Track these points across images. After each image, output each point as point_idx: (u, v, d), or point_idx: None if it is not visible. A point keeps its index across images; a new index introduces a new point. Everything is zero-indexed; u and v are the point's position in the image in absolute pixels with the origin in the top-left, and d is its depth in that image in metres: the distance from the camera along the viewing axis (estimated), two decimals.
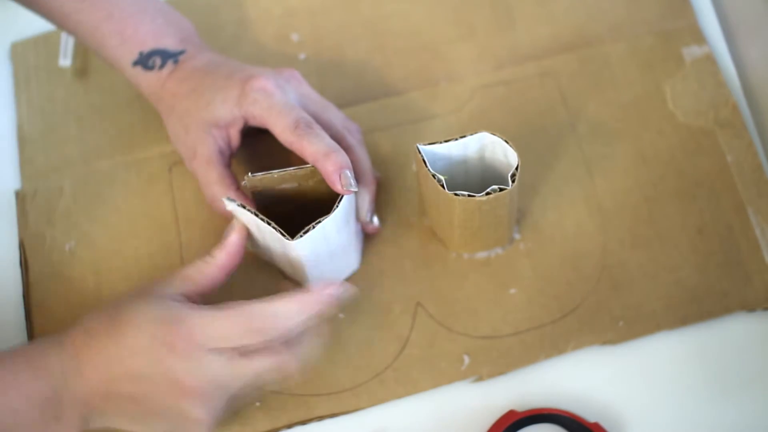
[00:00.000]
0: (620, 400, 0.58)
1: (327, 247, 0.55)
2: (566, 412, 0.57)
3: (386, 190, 0.64)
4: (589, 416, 0.57)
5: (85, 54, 0.69)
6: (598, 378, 0.59)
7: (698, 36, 0.67)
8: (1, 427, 0.48)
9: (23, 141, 0.67)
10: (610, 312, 0.60)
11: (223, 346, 0.50)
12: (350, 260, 0.61)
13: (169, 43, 0.59)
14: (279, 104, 0.55)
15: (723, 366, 0.59)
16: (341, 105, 0.65)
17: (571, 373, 0.59)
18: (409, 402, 0.59)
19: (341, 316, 0.60)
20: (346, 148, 0.59)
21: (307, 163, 0.54)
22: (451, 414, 0.58)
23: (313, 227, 0.52)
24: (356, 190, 0.53)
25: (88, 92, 0.68)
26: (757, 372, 0.59)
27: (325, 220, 0.52)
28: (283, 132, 0.55)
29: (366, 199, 0.58)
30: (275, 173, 0.53)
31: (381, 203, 0.63)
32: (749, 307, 0.60)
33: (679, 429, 0.58)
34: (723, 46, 0.68)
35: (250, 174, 0.53)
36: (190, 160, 0.59)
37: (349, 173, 0.53)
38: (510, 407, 0.58)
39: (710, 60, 0.66)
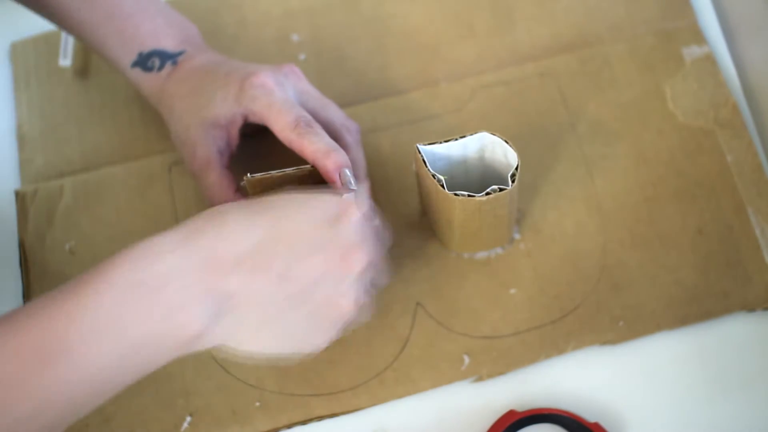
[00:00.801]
0: (620, 400, 0.58)
1: None
2: (566, 412, 0.57)
3: (386, 190, 0.64)
4: (589, 416, 0.57)
5: (85, 54, 0.69)
6: (598, 378, 0.59)
7: (698, 36, 0.67)
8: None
9: (23, 141, 0.67)
10: (610, 312, 0.60)
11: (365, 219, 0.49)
12: None
13: (169, 44, 0.59)
14: (279, 101, 0.55)
15: (723, 366, 0.59)
16: (341, 105, 0.65)
17: (571, 373, 0.59)
18: (409, 402, 0.59)
19: (355, 327, 0.60)
20: (344, 147, 0.59)
21: (306, 164, 0.54)
22: (451, 414, 0.58)
23: None
24: (356, 188, 0.53)
25: (88, 92, 0.68)
26: (757, 372, 0.59)
27: None
28: (282, 130, 0.55)
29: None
30: (274, 174, 0.53)
31: (381, 203, 0.63)
32: (749, 307, 0.60)
33: (679, 429, 0.58)
34: (723, 46, 0.68)
35: (249, 174, 0.53)
36: (190, 161, 0.59)
37: (348, 172, 0.53)
38: (510, 407, 0.58)
39: (710, 60, 0.66)
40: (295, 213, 0.47)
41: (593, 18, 0.69)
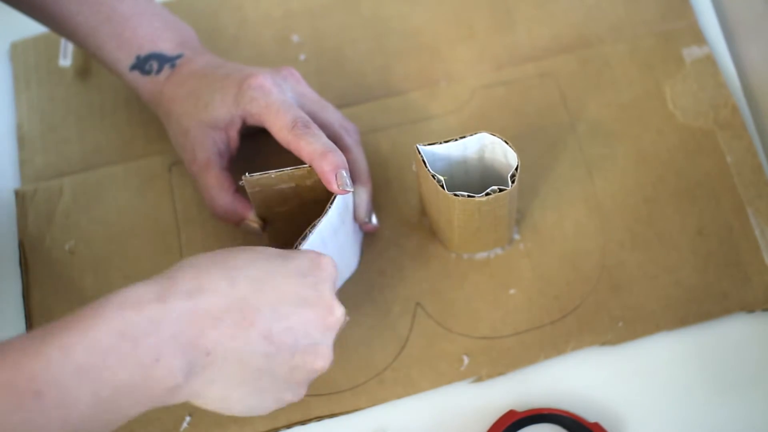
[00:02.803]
0: (620, 400, 0.58)
1: (324, 249, 0.55)
2: (566, 412, 0.57)
3: (386, 191, 0.64)
4: (589, 416, 0.57)
5: (84, 54, 0.69)
6: (598, 378, 0.59)
7: (698, 37, 0.67)
8: (93, 372, 0.41)
9: (23, 141, 0.67)
10: (609, 312, 0.60)
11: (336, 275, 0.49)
12: (349, 260, 0.60)
13: (167, 47, 0.59)
14: (277, 103, 0.55)
15: (723, 366, 0.59)
16: (341, 105, 0.65)
17: (571, 373, 0.59)
18: (409, 402, 0.59)
19: (347, 318, 0.60)
20: (344, 149, 0.59)
21: (305, 164, 0.54)
22: (451, 414, 0.58)
23: (310, 231, 0.52)
24: (352, 190, 0.53)
25: (88, 92, 0.68)
26: (756, 372, 0.59)
27: (319, 223, 0.52)
28: (280, 131, 0.55)
29: (364, 199, 0.59)
30: (272, 173, 0.53)
31: (381, 203, 0.63)
32: (749, 308, 0.60)
33: (678, 429, 0.58)
34: (723, 46, 0.68)
35: (247, 174, 0.53)
36: (189, 163, 0.59)
37: (345, 173, 0.53)
38: (510, 407, 0.58)
39: (710, 61, 0.66)
40: (276, 269, 0.46)
41: (593, 18, 0.69)
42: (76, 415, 0.40)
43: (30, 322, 0.61)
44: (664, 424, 0.58)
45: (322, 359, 0.47)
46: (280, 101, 0.56)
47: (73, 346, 0.40)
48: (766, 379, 0.58)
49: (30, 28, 0.69)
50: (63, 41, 0.69)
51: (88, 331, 0.41)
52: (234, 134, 0.59)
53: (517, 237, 0.62)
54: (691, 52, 0.67)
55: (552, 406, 0.58)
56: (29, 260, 0.63)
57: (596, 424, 0.56)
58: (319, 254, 0.49)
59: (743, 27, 0.68)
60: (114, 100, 0.68)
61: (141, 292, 0.43)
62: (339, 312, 0.48)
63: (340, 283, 0.61)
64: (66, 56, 0.69)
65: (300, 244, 0.51)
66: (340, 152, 0.54)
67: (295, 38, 0.69)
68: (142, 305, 0.42)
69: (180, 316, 0.43)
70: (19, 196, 0.65)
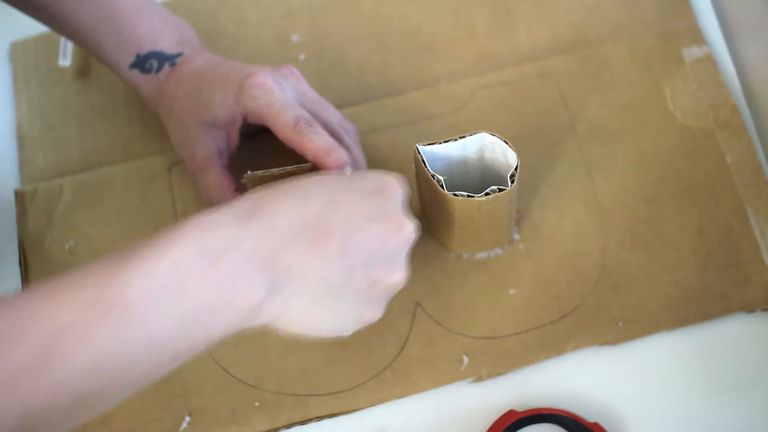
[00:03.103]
0: (620, 400, 0.58)
1: None
2: (566, 412, 0.57)
3: None
4: (589, 416, 0.57)
5: (84, 54, 0.69)
6: (598, 378, 0.59)
7: (698, 37, 0.67)
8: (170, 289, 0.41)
9: (23, 141, 0.67)
10: (609, 312, 0.60)
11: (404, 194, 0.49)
12: None
13: (167, 46, 0.59)
14: (278, 101, 0.55)
15: (723, 366, 0.59)
16: (341, 105, 0.65)
17: (571, 373, 0.59)
18: (409, 402, 0.59)
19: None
20: (343, 148, 0.59)
21: (306, 162, 0.54)
22: (451, 414, 0.58)
23: None
24: None
25: (88, 92, 0.68)
26: (756, 372, 0.59)
27: None
28: (283, 129, 0.55)
29: None
30: (274, 171, 0.53)
31: None
32: (748, 308, 0.59)
33: (678, 429, 0.58)
34: (723, 46, 0.68)
35: (249, 172, 0.53)
36: (190, 162, 0.59)
37: (349, 170, 0.53)
38: (510, 407, 0.58)
39: (710, 61, 0.66)
40: (346, 188, 0.47)
41: (593, 18, 0.69)
42: (162, 332, 0.41)
43: None
44: (664, 424, 0.58)
45: (399, 272, 0.48)
46: (282, 99, 0.56)
47: (156, 264, 0.41)
48: (766, 379, 0.58)
49: (30, 28, 0.69)
50: (63, 41, 0.69)
51: (170, 251, 0.41)
52: (234, 133, 0.59)
53: (516, 237, 0.62)
54: (691, 52, 0.67)
55: (552, 406, 0.58)
56: (29, 260, 0.63)
57: (596, 424, 0.56)
58: (384, 174, 0.49)
59: (743, 27, 0.68)
60: (114, 100, 0.68)
61: (219, 215, 0.44)
62: (410, 227, 0.48)
63: None
64: (66, 56, 0.69)
65: None
66: (343, 150, 0.54)
67: (294, 38, 0.69)
68: (221, 226, 0.43)
69: (258, 235, 0.43)
70: (19, 196, 0.65)
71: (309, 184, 0.47)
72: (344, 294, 0.47)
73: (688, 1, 0.69)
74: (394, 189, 0.48)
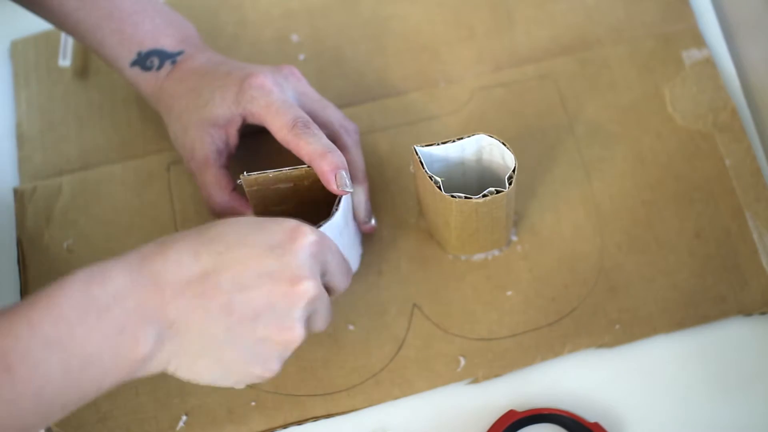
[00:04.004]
0: (620, 400, 0.58)
1: None
2: (566, 412, 0.57)
3: (384, 191, 0.64)
4: (589, 416, 0.57)
5: (84, 54, 0.69)
6: (598, 378, 0.59)
7: (698, 39, 0.67)
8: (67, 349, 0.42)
9: (22, 139, 0.67)
10: (606, 315, 0.60)
11: (317, 246, 0.48)
12: (351, 262, 0.60)
13: (168, 44, 0.59)
14: (277, 102, 0.55)
15: (723, 366, 0.59)
16: (340, 105, 0.65)
17: (572, 373, 0.59)
18: (408, 401, 0.59)
19: (351, 327, 0.60)
20: (343, 148, 0.59)
21: (303, 164, 0.54)
22: (451, 413, 0.58)
23: None
24: (351, 190, 0.53)
25: (88, 91, 0.68)
26: (756, 372, 0.59)
27: (326, 224, 0.52)
28: (280, 130, 0.55)
29: (362, 199, 0.59)
30: (270, 173, 0.53)
31: (379, 204, 0.63)
32: (746, 311, 0.59)
33: (679, 429, 0.58)
34: (723, 47, 0.68)
35: (245, 173, 0.53)
36: (188, 160, 0.59)
37: (344, 174, 0.53)
38: (510, 407, 0.58)
39: (710, 63, 0.66)
40: (243, 242, 0.46)
41: (593, 20, 0.69)
42: (49, 389, 0.42)
43: None
44: (665, 424, 0.58)
45: (289, 331, 0.47)
46: (281, 101, 0.56)
47: (41, 319, 0.42)
48: (765, 380, 0.58)
49: (31, 26, 0.69)
50: (63, 41, 0.69)
51: (54, 305, 0.42)
52: (233, 132, 0.59)
53: (514, 239, 0.62)
54: (691, 55, 0.67)
55: (552, 406, 0.58)
56: (27, 258, 0.63)
57: (596, 424, 0.56)
58: (297, 226, 0.48)
59: (743, 28, 0.68)
60: (113, 99, 0.68)
61: (111, 264, 0.44)
62: (305, 285, 0.47)
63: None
64: (65, 56, 0.69)
65: None
66: (339, 152, 0.54)
67: (294, 38, 0.69)
68: (110, 276, 0.44)
69: (145, 287, 0.44)
70: (18, 194, 0.65)
71: (210, 233, 0.47)
72: (229, 349, 0.46)
73: (688, 3, 0.68)
74: (302, 243, 0.47)
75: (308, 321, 0.49)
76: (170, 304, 0.44)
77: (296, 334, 0.47)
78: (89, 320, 0.42)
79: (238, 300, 0.45)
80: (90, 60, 0.69)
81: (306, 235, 0.47)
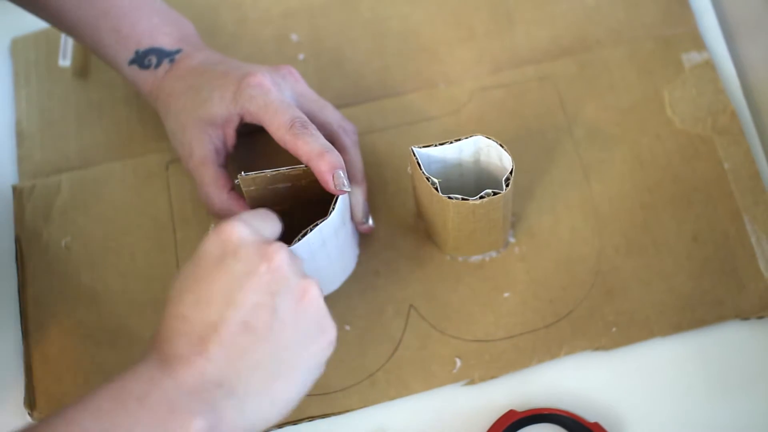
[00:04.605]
0: (620, 400, 0.58)
1: (325, 249, 0.55)
2: (566, 412, 0.57)
3: (382, 192, 0.64)
4: (589, 416, 0.57)
5: (84, 55, 0.69)
6: (598, 378, 0.59)
7: (698, 42, 0.67)
8: None
9: (21, 136, 0.67)
10: (603, 318, 0.60)
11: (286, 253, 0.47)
12: (347, 262, 0.61)
13: (166, 42, 0.59)
14: (275, 102, 0.55)
15: (723, 366, 0.59)
16: (339, 105, 0.65)
17: (572, 373, 0.59)
18: (409, 401, 0.59)
19: (347, 328, 0.60)
20: (341, 148, 0.59)
21: (301, 163, 0.54)
22: (451, 413, 0.58)
23: (310, 230, 0.52)
24: (349, 190, 0.53)
25: (87, 89, 0.68)
26: (756, 373, 0.59)
27: (322, 223, 0.52)
28: (278, 130, 0.55)
29: (359, 199, 0.59)
30: (268, 173, 0.53)
31: (377, 204, 0.63)
32: (743, 315, 0.59)
33: (679, 429, 0.57)
34: (724, 50, 0.67)
35: (243, 173, 0.53)
36: (186, 159, 0.59)
37: (342, 173, 0.53)
38: (510, 407, 0.58)
39: (709, 66, 0.66)
40: (198, 275, 0.46)
41: (593, 22, 0.68)
42: None
43: (24, 317, 0.61)
44: (665, 424, 0.58)
45: (309, 287, 0.47)
46: (279, 100, 0.56)
47: (77, 416, 0.42)
48: (765, 379, 0.58)
49: (32, 24, 0.69)
50: (63, 41, 0.69)
51: (89, 401, 0.42)
52: (231, 132, 0.59)
53: (512, 240, 0.62)
54: (691, 58, 0.66)
55: (552, 406, 0.58)
56: (25, 255, 0.63)
57: (596, 424, 0.56)
58: (264, 246, 0.47)
59: (744, 30, 0.67)
60: (113, 97, 0.68)
61: (133, 366, 0.44)
62: (312, 291, 0.47)
63: (337, 284, 0.61)
64: (65, 56, 0.69)
65: (298, 241, 0.52)
66: (337, 152, 0.54)
67: (294, 37, 0.69)
68: (137, 373, 0.44)
69: (169, 368, 0.44)
70: (17, 192, 0.65)
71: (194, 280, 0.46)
72: (283, 352, 0.46)
73: (688, 5, 0.68)
74: (277, 259, 0.47)
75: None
76: (206, 371, 0.44)
77: (309, 281, 0.47)
78: (130, 407, 0.42)
79: (243, 317, 0.45)
80: (90, 60, 0.69)
81: (276, 251, 0.47)
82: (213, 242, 0.46)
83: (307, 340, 0.47)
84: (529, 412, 0.57)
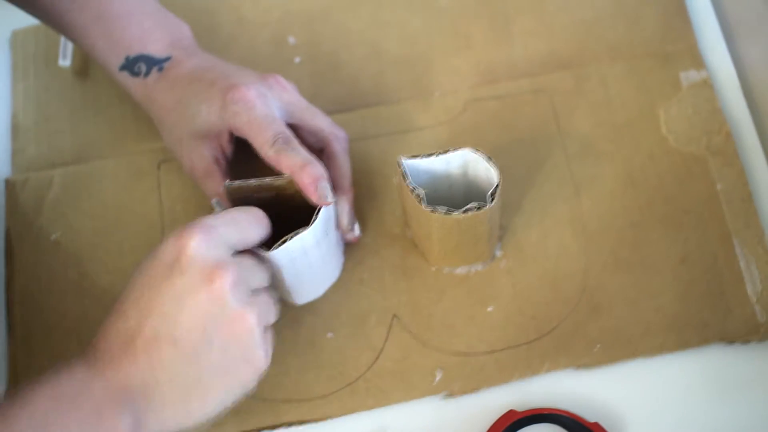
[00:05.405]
0: (620, 400, 0.58)
1: (306, 258, 0.55)
2: (566, 412, 0.56)
3: (371, 200, 0.63)
4: (589, 416, 0.57)
5: (84, 55, 0.69)
6: (597, 378, 0.58)
7: (697, 60, 0.66)
8: None
9: (17, 130, 0.68)
10: (587, 335, 0.59)
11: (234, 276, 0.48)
12: (332, 271, 0.60)
13: (155, 49, 0.59)
14: (258, 117, 0.55)
15: (723, 367, 0.58)
16: (333, 111, 0.65)
17: (571, 374, 0.59)
18: (408, 401, 0.59)
19: (330, 335, 0.60)
20: (331, 155, 0.59)
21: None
22: (451, 413, 0.58)
23: (290, 238, 0.52)
24: (333, 201, 0.53)
25: (84, 86, 0.69)
26: (756, 373, 0.58)
27: (303, 232, 0.52)
28: (261, 147, 0.55)
29: (345, 208, 0.58)
30: (252, 182, 0.53)
31: (365, 212, 0.63)
32: (728, 338, 0.59)
33: (679, 429, 0.57)
34: (727, 64, 0.66)
35: (227, 182, 0.54)
36: (190, 172, 0.59)
37: (325, 184, 0.53)
38: (510, 407, 0.57)
39: (707, 85, 0.65)
40: (147, 278, 0.48)
41: (592, 36, 0.68)
42: None
43: (10, 310, 0.62)
44: (665, 424, 0.57)
45: (247, 316, 0.48)
46: (263, 116, 0.55)
47: (15, 415, 0.43)
48: (765, 380, 0.58)
49: (32, 17, 0.70)
50: (62, 41, 0.69)
51: (23, 402, 0.44)
52: (225, 142, 0.59)
53: (499, 253, 0.62)
54: (689, 76, 0.66)
55: (552, 406, 0.57)
56: (15, 248, 0.63)
57: (596, 424, 0.56)
58: (176, 239, 0.48)
59: (747, 40, 0.67)
60: (109, 95, 0.68)
61: (70, 362, 0.47)
62: (221, 272, 0.47)
63: (321, 292, 0.61)
64: (65, 57, 0.69)
65: (276, 248, 0.51)
66: (319, 164, 0.53)
67: (291, 40, 0.69)
68: (72, 372, 0.46)
69: (101, 372, 0.46)
70: (9, 185, 0.65)
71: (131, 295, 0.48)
72: (207, 365, 0.47)
73: (689, 22, 0.68)
74: (186, 246, 0.47)
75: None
76: (130, 374, 0.46)
77: (250, 318, 0.48)
78: (63, 407, 0.44)
79: (179, 327, 0.46)
80: (90, 61, 0.69)
81: (187, 236, 0.47)
82: (169, 248, 0.47)
83: (231, 366, 0.48)
84: (529, 412, 0.57)
